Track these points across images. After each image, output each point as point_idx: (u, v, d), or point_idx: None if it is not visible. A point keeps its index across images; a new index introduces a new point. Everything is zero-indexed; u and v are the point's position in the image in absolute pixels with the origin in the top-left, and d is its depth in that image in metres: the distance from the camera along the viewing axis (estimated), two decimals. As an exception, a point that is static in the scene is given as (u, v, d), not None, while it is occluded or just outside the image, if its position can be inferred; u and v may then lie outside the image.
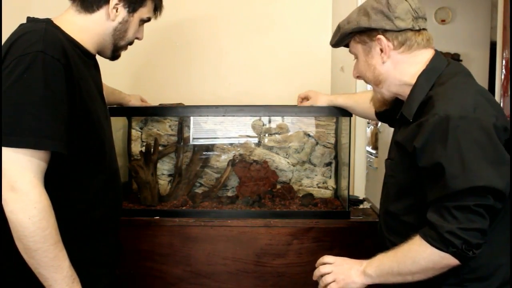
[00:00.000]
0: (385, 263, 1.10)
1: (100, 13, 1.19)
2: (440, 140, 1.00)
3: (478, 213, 0.98)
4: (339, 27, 1.24)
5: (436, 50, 1.18)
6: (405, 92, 1.18)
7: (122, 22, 1.22)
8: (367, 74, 1.22)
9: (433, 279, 1.06)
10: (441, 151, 0.99)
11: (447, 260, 1.01)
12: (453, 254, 1.00)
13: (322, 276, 1.19)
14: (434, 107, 1.04)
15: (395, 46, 1.15)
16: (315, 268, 1.23)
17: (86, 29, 1.19)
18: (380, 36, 1.14)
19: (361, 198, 2.05)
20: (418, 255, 1.04)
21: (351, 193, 2.04)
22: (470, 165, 0.97)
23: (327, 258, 1.21)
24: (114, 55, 1.29)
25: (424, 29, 1.16)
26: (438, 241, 1.00)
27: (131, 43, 1.30)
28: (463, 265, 1.03)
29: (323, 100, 1.70)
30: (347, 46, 1.27)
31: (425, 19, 1.17)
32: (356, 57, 1.25)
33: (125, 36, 1.25)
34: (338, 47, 1.28)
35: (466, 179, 0.97)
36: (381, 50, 1.16)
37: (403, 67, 1.16)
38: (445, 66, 1.15)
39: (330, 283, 1.16)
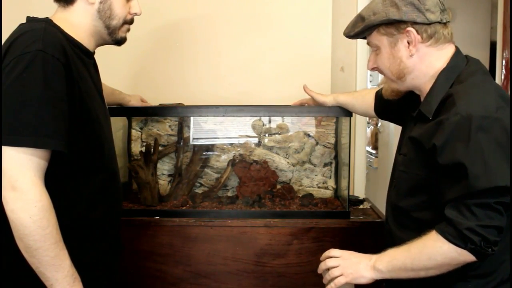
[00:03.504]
0: (398, 258, 1.09)
1: (79, 1, 1.18)
2: (462, 139, 1.00)
3: (498, 210, 0.99)
4: (362, 18, 1.17)
5: (456, 47, 1.17)
6: (426, 86, 1.16)
7: (102, 1, 1.19)
8: (391, 67, 1.17)
9: (438, 276, 1.06)
10: (463, 150, 0.99)
11: (464, 256, 1.01)
12: (471, 251, 1.00)
13: (328, 269, 1.17)
14: (455, 106, 1.04)
15: (424, 39, 1.12)
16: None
17: (78, 24, 1.19)
18: (411, 29, 1.11)
19: (361, 198, 2.05)
20: (435, 251, 1.04)
21: (351, 193, 2.04)
22: (492, 165, 0.98)
23: (333, 252, 1.20)
24: (115, 39, 1.26)
25: (449, 21, 1.15)
26: (457, 238, 1.00)
27: (129, 22, 1.27)
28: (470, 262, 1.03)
29: (327, 99, 1.68)
30: (364, 37, 1.22)
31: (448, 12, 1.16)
32: (377, 49, 1.19)
33: (113, 14, 1.21)
34: (356, 38, 1.22)
35: (488, 179, 0.97)
36: (409, 43, 1.13)
37: (429, 61, 1.14)
38: (465, 64, 1.14)
39: (337, 276, 1.15)
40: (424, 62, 1.14)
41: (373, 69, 1.23)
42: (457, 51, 1.16)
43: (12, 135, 0.98)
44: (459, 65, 1.14)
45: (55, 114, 1.02)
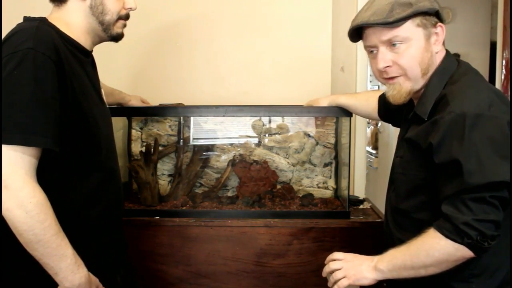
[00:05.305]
0: (398, 257, 1.10)
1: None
2: (456, 137, 1.01)
3: (493, 205, 0.99)
4: (409, 3, 1.09)
5: (447, 50, 1.18)
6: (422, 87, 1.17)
7: None
8: (424, 61, 1.12)
9: (441, 275, 1.06)
10: (458, 148, 1.00)
11: (461, 252, 1.02)
12: (468, 246, 1.00)
13: (332, 272, 1.18)
14: (449, 105, 1.05)
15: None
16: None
17: (72, 22, 1.19)
18: (442, 25, 1.12)
19: (361, 198, 2.05)
20: (432, 247, 1.04)
21: (351, 193, 2.04)
22: (486, 161, 0.99)
23: (337, 255, 1.20)
24: (110, 35, 1.24)
25: None
26: (453, 233, 1.01)
27: (125, 17, 1.26)
28: (470, 260, 1.03)
29: (323, 101, 1.70)
30: (356, 39, 1.19)
31: None
32: (402, 42, 1.11)
33: (105, 9, 1.20)
34: (392, 26, 1.09)
35: (483, 175, 0.98)
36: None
37: (436, 60, 1.16)
38: (456, 66, 1.15)
39: (340, 279, 1.15)
40: (436, 62, 1.15)
41: (387, 67, 1.13)
42: (448, 53, 1.18)
43: (2, 133, 0.99)
44: (451, 66, 1.15)
45: (45, 112, 1.02)
